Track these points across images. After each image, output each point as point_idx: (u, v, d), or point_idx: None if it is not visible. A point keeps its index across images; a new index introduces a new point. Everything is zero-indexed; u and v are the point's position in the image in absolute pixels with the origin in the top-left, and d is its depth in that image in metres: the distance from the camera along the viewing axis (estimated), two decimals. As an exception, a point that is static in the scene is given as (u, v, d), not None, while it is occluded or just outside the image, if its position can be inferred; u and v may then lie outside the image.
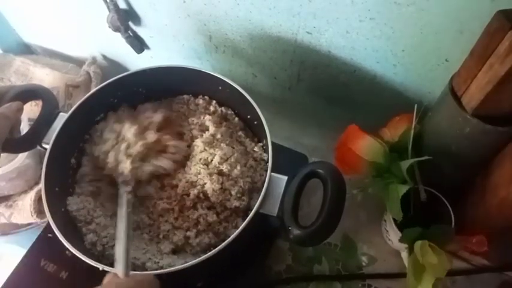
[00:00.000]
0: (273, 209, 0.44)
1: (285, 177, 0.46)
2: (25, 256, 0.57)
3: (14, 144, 0.52)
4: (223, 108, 0.59)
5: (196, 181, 0.52)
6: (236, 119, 0.59)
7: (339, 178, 0.43)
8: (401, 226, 0.51)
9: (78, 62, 0.81)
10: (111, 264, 0.43)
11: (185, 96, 0.61)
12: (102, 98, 0.56)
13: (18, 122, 0.52)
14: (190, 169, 0.53)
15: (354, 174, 0.53)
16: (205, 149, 0.54)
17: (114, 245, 0.46)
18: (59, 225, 0.44)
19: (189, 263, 0.41)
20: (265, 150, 0.54)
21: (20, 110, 0.49)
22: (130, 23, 0.68)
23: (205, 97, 0.60)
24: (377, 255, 0.58)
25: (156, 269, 0.45)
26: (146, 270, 0.46)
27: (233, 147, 0.55)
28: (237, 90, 0.54)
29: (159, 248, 0.50)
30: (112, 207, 0.53)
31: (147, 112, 0.58)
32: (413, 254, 0.48)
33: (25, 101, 0.52)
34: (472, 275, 0.55)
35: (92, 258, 0.43)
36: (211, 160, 0.53)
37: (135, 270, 0.43)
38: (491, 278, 0.55)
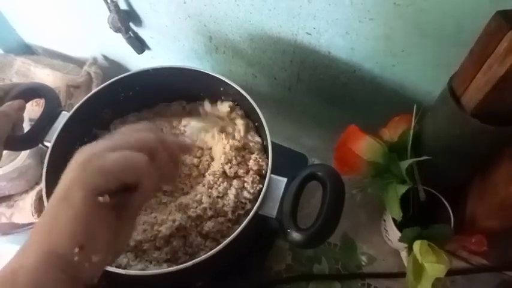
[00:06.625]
0: (272, 211, 0.44)
1: (285, 179, 0.46)
2: (26, 256, 0.57)
3: (16, 141, 0.52)
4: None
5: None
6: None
7: (338, 180, 0.43)
8: (400, 226, 0.51)
9: (79, 63, 0.81)
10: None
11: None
12: (104, 97, 0.57)
13: (20, 120, 0.52)
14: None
15: (354, 174, 0.53)
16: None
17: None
18: (59, 225, 0.44)
19: (189, 263, 0.41)
20: (265, 151, 0.54)
21: (22, 108, 0.50)
22: (131, 24, 0.68)
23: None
24: (376, 255, 0.58)
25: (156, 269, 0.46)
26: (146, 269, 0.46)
27: (234, 149, 0.55)
28: (237, 90, 0.54)
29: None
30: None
31: None
32: (412, 254, 0.48)
33: (28, 100, 0.52)
34: (472, 275, 0.55)
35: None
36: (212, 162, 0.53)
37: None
38: (490, 277, 0.55)
